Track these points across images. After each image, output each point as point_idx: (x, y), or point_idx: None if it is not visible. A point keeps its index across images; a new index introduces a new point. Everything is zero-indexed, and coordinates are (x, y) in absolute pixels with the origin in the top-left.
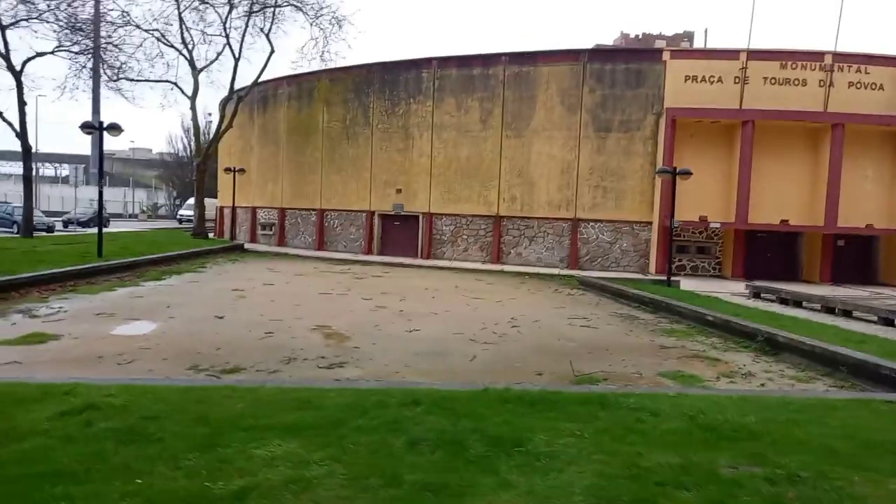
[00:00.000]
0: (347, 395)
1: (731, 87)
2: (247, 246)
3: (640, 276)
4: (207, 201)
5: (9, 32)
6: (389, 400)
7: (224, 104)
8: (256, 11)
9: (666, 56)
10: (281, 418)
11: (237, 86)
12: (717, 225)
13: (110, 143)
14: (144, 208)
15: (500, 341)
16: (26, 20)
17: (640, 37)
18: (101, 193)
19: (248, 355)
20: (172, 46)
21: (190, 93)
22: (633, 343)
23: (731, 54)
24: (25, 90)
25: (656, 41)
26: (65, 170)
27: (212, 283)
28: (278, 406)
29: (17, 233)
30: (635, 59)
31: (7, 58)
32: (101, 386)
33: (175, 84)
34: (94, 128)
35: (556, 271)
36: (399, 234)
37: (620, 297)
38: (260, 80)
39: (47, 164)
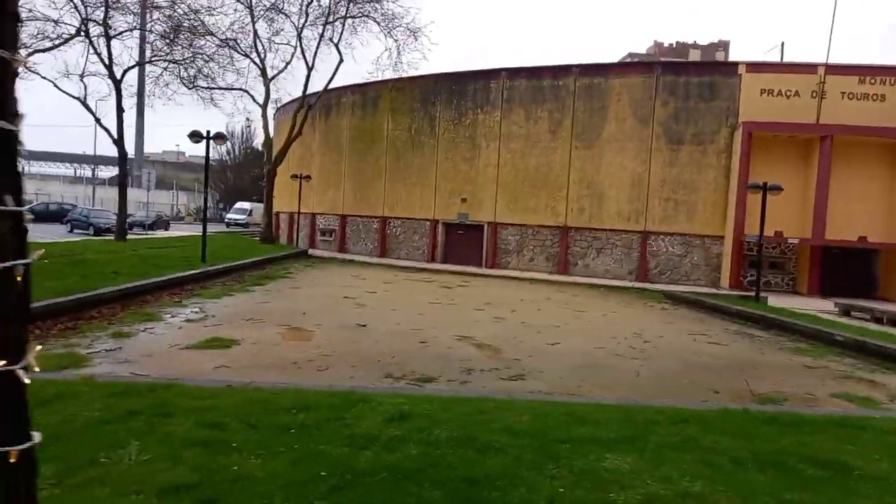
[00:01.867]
0: (609, 410)
1: (807, 102)
2: (309, 252)
3: (713, 290)
4: (258, 206)
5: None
6: (658, 417)
7: (295, 112)
8: (332, 21)
9: (741, 69)
10: (578, 432)
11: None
12: (795, 241)
13: (148, 147)
14: (190, 211)
15: (643, 356)
16: (130, 31)
17: (675, 45)
18: (206, 200)
19: (425, 364)
20: (246, 56)
21: (261, 101)
22: (774, 362)
23: (808, 68)
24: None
25: (690, 51)
26: (101, 171)
27: (314, 288)
28: (560, 420)
29: (93, 234)
30: (709, 72)
31: (110, 67)
32: (382, 394)
33: (246, 91)
34: (202, 136)
35: (627, 283)
36: (462, 243)
37: (718, 313)
38: (321, 88)
39: (84, 165)
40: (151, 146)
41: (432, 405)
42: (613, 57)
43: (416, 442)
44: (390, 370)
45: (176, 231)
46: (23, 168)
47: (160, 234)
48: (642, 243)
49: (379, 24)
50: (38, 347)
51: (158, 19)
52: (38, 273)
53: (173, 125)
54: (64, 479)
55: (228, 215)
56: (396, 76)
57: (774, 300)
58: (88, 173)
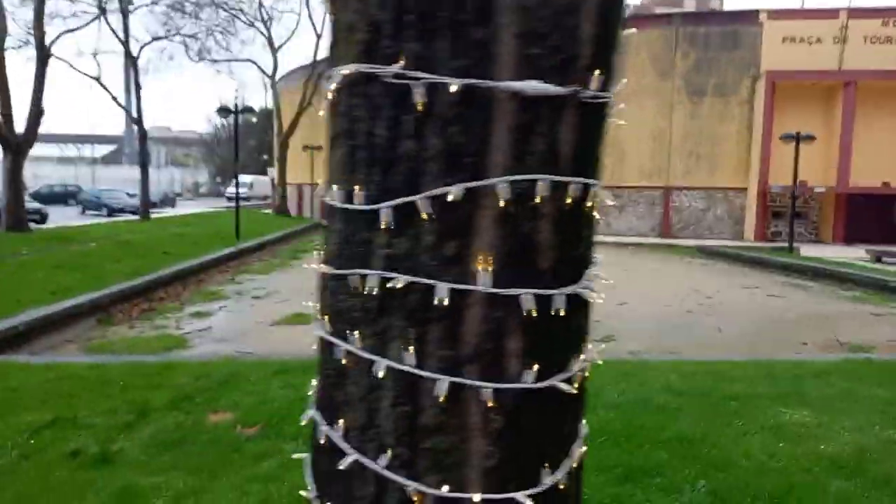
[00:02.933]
0: (746, 367)
1: (829, 48)
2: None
3: (738, 242)
4: (259, 178)
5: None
6: (798, 371)
7: (305, 81)
8: None
9: (763, 17)
10: (735, 389)
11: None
12: (822, 189)
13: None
14: (189, 187)
15: (714, 312)
16: (149, 4)
17: None
18: (237, 176)
19: None
20: (252, 25)
21: (268, 71)
22: (842, 311)
23: (830, 13)
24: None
25: None
26: (86, 150)
27: None
28: (707, 378)
29: (107, 215)
30: (730, 21)
31: (126, 44)
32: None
33: (254, 63)
34: (230, 111)
35: (653, 240)
36: None
37: (758, 265)
38: (321, 55)
39: (70, 145)
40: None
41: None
42: None
43: (601, 407)
44: None
45: (183, 208)
46: None
47: (170, 211)
48: (665, 199)
49: None
50: (134, 330)
51: None
52: (96, 256)
53: (157, 99)
54: None
55: (230, 189)
56: None
57: (806, 250)
58: (74, 153)
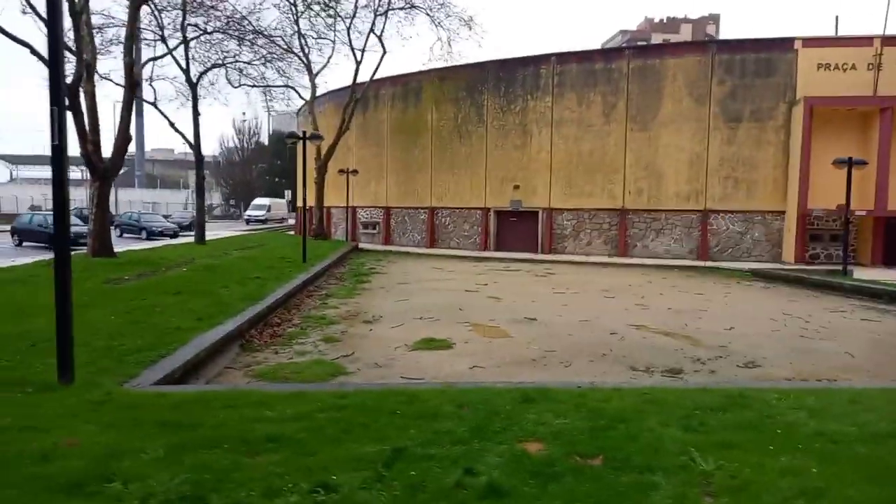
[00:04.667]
0: None
1: (864, 74)
2: (359, 245)
3: (777, 265)
4: (276, 201)
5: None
6: None
7: (345, 106)
8: (382, 13)
9: (798, 45)
10: None
11: (334, 87)
12: (862, 213)
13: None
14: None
15: (828, 337)
16: (208, 33)
17: (665, 21)
18: (299, 199)
19: (650, 356)
20: (291, 52)
21: (307, 97)
22: None
23: (864, 41)
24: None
25: (682, 25)
26: (75, 173)
27: (421, 284)
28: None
29: (146, 238)
30: (765, 48)
31: (187, 72)
32: (690, 389)
33: (293, 88)
34: (299, 137)
35: (698, 263)
36: (515, 230)
37: (825, 289)
38: (361, 81)
39: (74, 168)
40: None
41: (768, 396)
42: (604, 36)
43: (853, 440)
44: (627, 363)
45: (209, 232)
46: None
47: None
48: (702, 222)
49: (429, 15)
50: (280, 356)
51: (219, 20)
52: (200, 282)
53: (159, 122)
54: None
55: (248, 212)
56: (441, 66)
57: (857, 273)
58: (76, 175)
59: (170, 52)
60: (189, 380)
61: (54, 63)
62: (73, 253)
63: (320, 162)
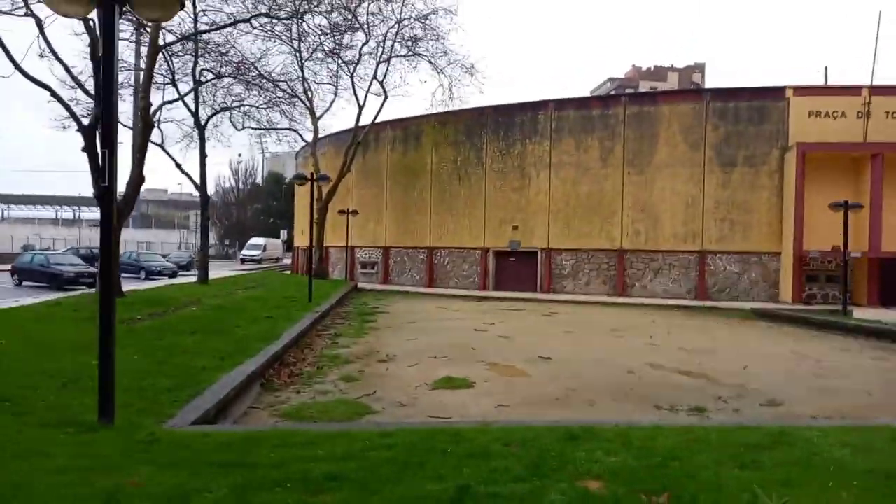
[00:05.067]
0: None
1: (854, 122)
2: (358, 285)
3: (775, 305)
4: (272, 241)
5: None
6: None
7: (347, 148)
8: (385, 61)
9: (789, 93)
10: None
11: (334, 130)
12: (858, 255)
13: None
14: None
15: (842, 376)
16: (219, 77)
17: (653, 69)
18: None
19: (671, 395)
20: (296, 96)
21: (309, 139)
22: None
23: (853, 91)
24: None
25: (668, 73)
26: (66, 212)
27: (428, 323)
28: None
29: (145, 278)
30: (758, 96)
31: (196, 114)
32: (727, 427)
33: (296, 131)
34: (307, 179)
35: (697, 303)
36: (514, 270)
37: (827, 329)
38: (362, 124)
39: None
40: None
41: (808, 434)
42: (593, 83)
43: None
44: (650, 402)
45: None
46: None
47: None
48: (700, 263)
49: (431, 62)
50: (301, 395)
51: (229, 65)
52: (214, 321)
53: (151, 162)
54: None
55: (244, 252)
56: (441, 110)
57: (857, 313)
58: (68, 215)
59: (181, 97)
60: (219, 419)
61: (108, 107)
62: (79, 293)
63: (321, 203)
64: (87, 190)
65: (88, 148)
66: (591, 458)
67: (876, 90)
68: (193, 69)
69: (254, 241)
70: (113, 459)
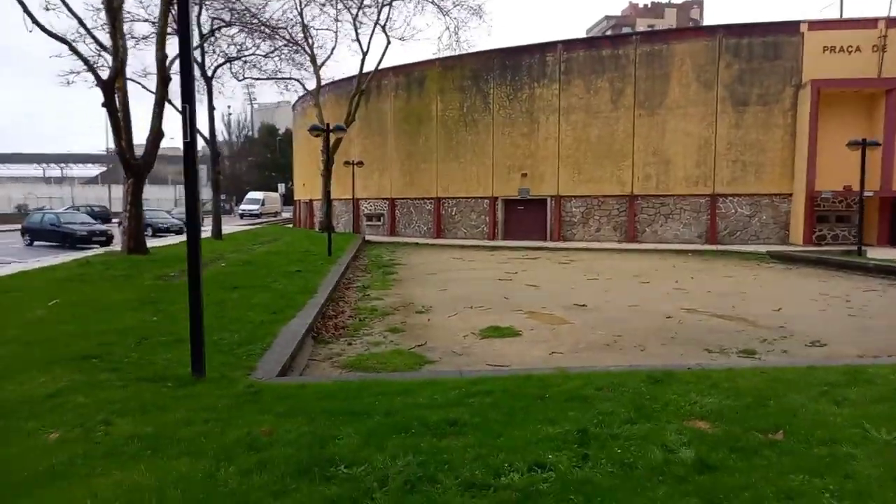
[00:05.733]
0: None
1: (869, 56)
2: (366, 237)
3: (786, 247)
4: (270, 195)
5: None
6: None
7: (351, 98)
8: (386, 4)
9: (804, 28)
10: None
11: (332, 78)
12: (870, 194)
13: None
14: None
15: (877, 315)
16: (228, 25)
17: (650, 5)
18: (328, 192)
19: (715, 339)
20: (296, 43)
21: (310, 88)
22: None
23: (868, 23)
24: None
25: (665, 10)
26: (71, 170)
27: (449, 273)
28: None
29: (151, 235)
30: (772, 32)
31: (202, 66)
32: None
33: (298, 81)
34: (323, 129)
35: (705, 246)
36: (523, 218)
37: (848, 270)
38: (365, 71)
39: (52, 165)
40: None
41: (882, 371)
42: (589, 21)
43: None
44: (698, 345)
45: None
46: None
47: (204, 230)
48: (711, 206)
49: (438, 5)
50: (353, 347)
51: (234, 12)
52: (250, 276)
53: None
54: None
55: (242, 206)
56: (445, 55)
57: (871, 253)
58: (56, 173)
59: (200, 44)
60: (288, 372)
61: (186, 63)
62: (103, 251)
63: (325, 155)
64: (70, 147)
65: (108, 103)
66: (686, 400)
67: (893, 22)
68: (198, 17)
69: (251, 195)
70: (228, 411)
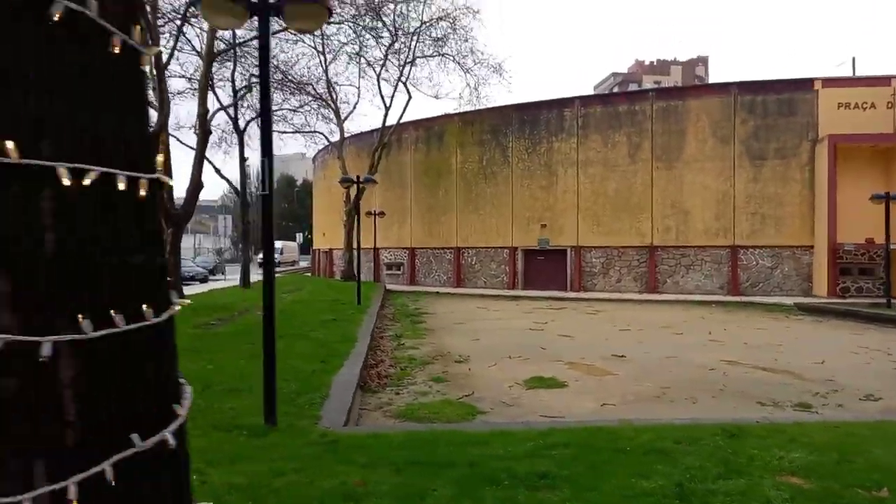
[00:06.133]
0: None
1: (884, 112)
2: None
3: (810, 299)
4: (288, 244)
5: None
6: None
7: (374, 151)
8: (409, 62)
9: (818, 85)
10: None
11: (353, 132)
12: (894, 246)
13: None
14: (216, 255)
15: None
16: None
17: (656, 63)
18: (359, 244)
19: (765, 391)
20: (321, 99)
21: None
22: None
23: (882, 81)
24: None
25: (671, 67)
26: None
27: (475, 323)
28: None
29: None
30: (787, 89)
31: (235, 119)
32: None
33: (322, 134)
34: (353, 181)
35: (728, 298)
36: (543, 269)
37: (879, 322)
38: (387, 125)
39: None
40: None
41: None
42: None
43: None
44: (750, 398)
45: (233, 276)
46: None
47: (224, 279)
48: (732, 257)
49: (459, 63)
50: (400, 397)
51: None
52: (285, 325)
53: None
54: None
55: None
56: (465, 110)
57: None
58: None
59: (235, 100)
60: (348, 422)
61: (266, 119)
62: None
63: (350, 205)
64: None
65: None
66: (770, 455)
67: None
68: (232, 74)
69: None
70: (312, 461)
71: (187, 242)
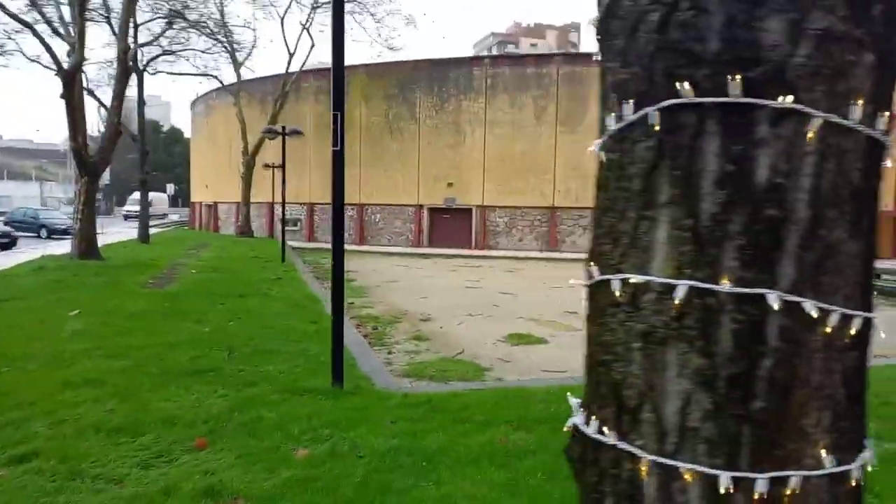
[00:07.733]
0: None
1: None
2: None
3: None
4: (157, 196)
5: None
6: None
7: (275, 99)
8: (319, 6)
9: None
10: None
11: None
12: None
13: None
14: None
15: None
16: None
17: (533, 26)
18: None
19: None
20: (217, 40)
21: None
22: None
23: None
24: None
25: (547, 31)
26: None
27: (406, 281)
28: None
29: (46, 237)
30: None
31: (135, 59)
32: None
33: (216, 77)
34: (279, 133)
35: None
36: (448, 227)
37: None
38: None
39: None
40: None
41: None
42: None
43: None
44: None
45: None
46: None
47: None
48: None
49: (372, 14)
50: (394, 354)
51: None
52: (236, 284)
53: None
54: None
55: (127, 207)
56: (371, 62)
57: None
58: None
59: (157, 37)
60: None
61: (338, 68)
62: (39, 255)
63: (247, 156)
64: None
65: (68, 95)
66: None
67: None
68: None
69: (135, 196)
70: (426, 422)
71: (33, 190)
